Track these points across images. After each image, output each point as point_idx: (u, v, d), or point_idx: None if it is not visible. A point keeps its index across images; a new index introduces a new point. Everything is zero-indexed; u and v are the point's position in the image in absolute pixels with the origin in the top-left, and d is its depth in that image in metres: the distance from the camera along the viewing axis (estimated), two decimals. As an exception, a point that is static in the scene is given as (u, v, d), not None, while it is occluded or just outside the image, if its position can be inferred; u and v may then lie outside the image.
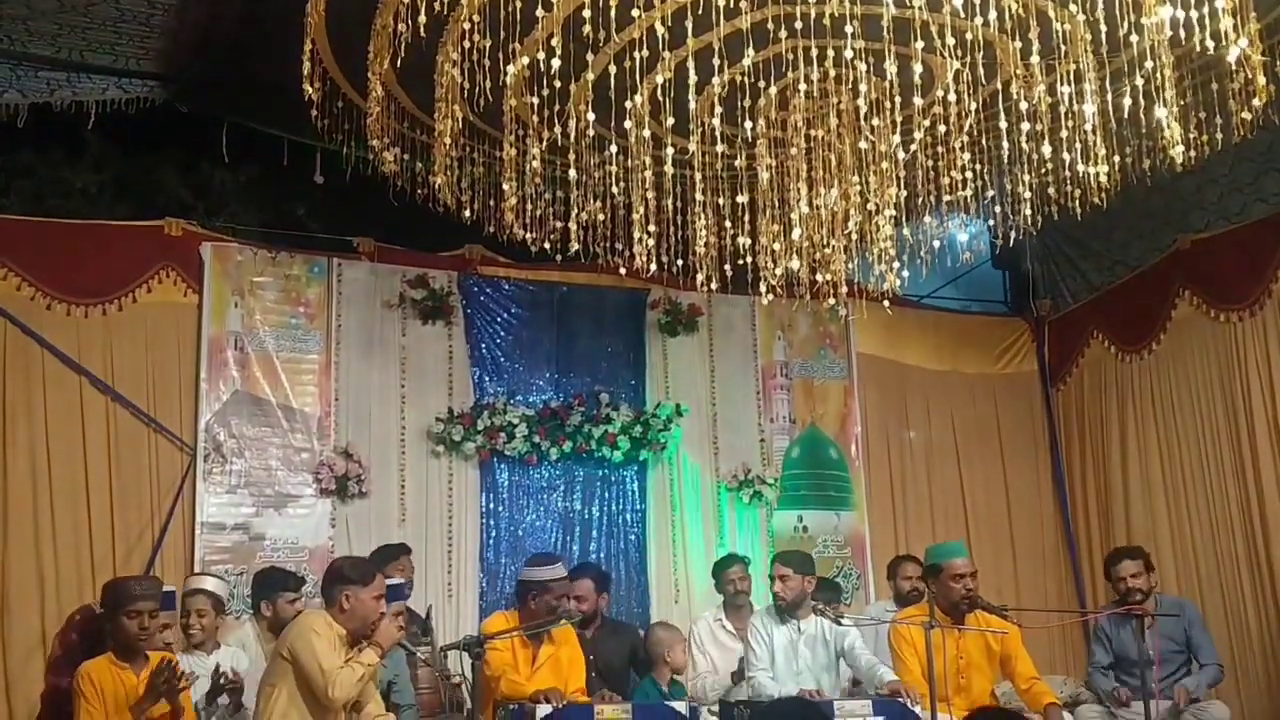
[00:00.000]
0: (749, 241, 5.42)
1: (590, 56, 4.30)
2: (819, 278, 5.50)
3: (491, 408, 7.28)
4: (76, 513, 6.35)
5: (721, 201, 5.52)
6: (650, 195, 5.00)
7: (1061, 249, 8.82)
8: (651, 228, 5.13)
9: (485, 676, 5.19)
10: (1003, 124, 4.43)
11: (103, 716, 4.23)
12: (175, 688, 4.32)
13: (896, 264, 5.27)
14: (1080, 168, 4.81)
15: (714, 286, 5.60)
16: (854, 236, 5.32)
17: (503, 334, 7.56)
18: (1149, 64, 4.07)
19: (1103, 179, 4.79)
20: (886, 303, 5.51)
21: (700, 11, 4.04)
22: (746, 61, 4.03)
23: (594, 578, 6.18)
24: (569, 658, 5.40)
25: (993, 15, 3.91)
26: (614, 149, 4.87)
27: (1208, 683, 5.90)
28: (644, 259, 5.17)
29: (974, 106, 4.64)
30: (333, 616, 4.33)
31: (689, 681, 6.08)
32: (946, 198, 5.42)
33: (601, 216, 5.62)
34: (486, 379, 7.45)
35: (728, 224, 5.58)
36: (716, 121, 4.40)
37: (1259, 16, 4.48)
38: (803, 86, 4.47)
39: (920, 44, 4.04)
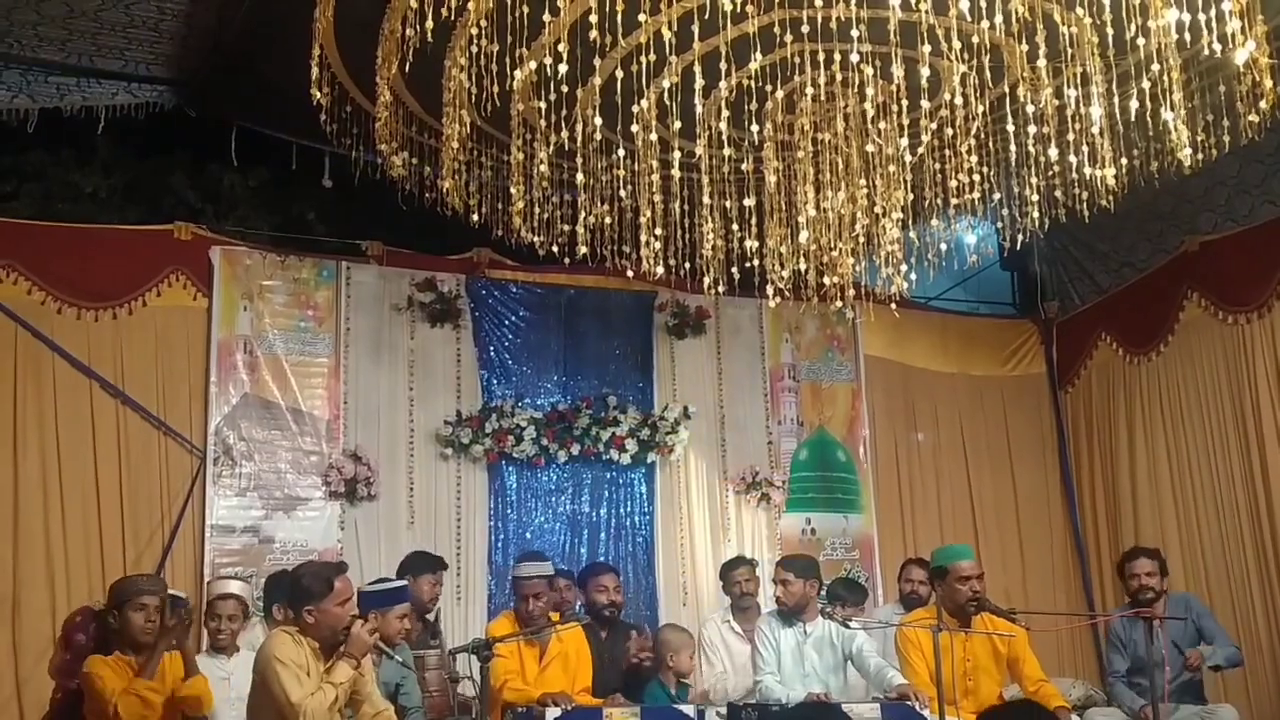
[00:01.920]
0: (756, 244, 5.43)
1: (597, 61, 4.30)
2: (826, 280, 5.51)
3: (500, 410, 7.29)
4: (87, 516, 6.38)
5: (729, 204, 5.52)
6: (657, 198, 5.02)
7: (1069, 251, 8.82)
8: (659, 231, 5.14)
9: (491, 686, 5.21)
10: (1010, 127, 4.44)
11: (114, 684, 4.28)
12: (184, 624, 4.39)
13: (904, 266, 5.27)
14: (1088, 170, 4.81)
15: (721, 289, 5.60)
16: (861, 239, 5.33)
17: (510, 337, 7.57)
18: (1156, 67, 4.07)
19: (1110, 181, 4.78)
20: (894, 305, 5.50)
21: (706, 16, 4.04)
22: (753, 65, 4.03)
23: (616, 572, 6.21)
24: (575, 653, 5.42)
25: (999, 19, 3.91)
26: (621, 153, 4.88)
27: (1225, 657, 5.82)
28: (651, 262, 5.18)
29: (981, 109, 4.64)
30: (301, 629, 4.18)
31: (706, 683, 6.08)
32: (954, 200, 5.42)
33: (609, 220, 5.63)
34: (495, 382, 7.46)
35: (735, 227, 5.58)
36: (723, 125, 4.40)
37: (1266, 19, 4.47)
38: (809, 90, 4.47)
39: (927, 47, 4.04)
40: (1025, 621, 5.57)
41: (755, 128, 4.54)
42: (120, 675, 4.35)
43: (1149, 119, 4.31)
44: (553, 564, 5.86)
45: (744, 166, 5.37)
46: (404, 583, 5.39)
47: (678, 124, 4.31)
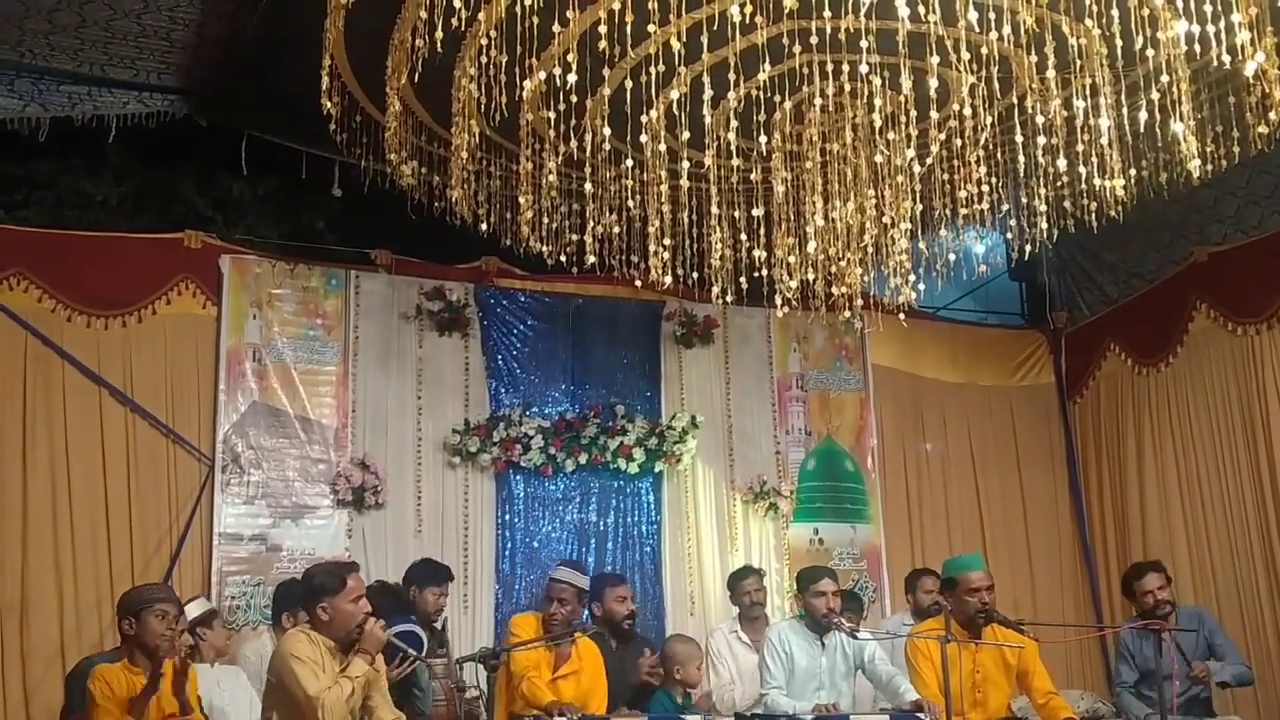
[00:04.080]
0: (764, 254, 5.44)
1: (606, 71, 4.32)
2: (834, 290, 5.51)
3: (507, 419, 7.29)
4: (95, 523, 6.38)
5: (737, 214, 5.53)
6: (666, 208, 5.02)
7: (1078, 261, 8.80)
8: (667, 240, 5.15)
9: (509, 672, 5.21)
10: (1019, 137, 4.44)
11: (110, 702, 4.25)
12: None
13: (912, 276, 5.27)
14: (1096, 181, 4.81)
15: (729, 299, 5.61)
16: (870, 249, 5.33)
17: (519, 346, 7.57)
18: (1165, 78, 4.07)
19: (1119, 192, 4.78)
20: (902, 315, 5.50)
21: (715, 27, 4.05)
22: (762, 76, 4.04)
23: (629, 583, 6.22)
24: (592, 673, 5.41)
25: (1008, 30, 3.91)
26: (630, 163, 4.89)
27: (1234, 674, 5.80)
28: (659, 271, 5.19)
29: (990, 120, 4.64)
30: (315, 628, 4.21)
31: (713, 693, 6.07)
32: (962, 211, 5.42)
33: (617, 229, 5.64)
34: (502, 390, 7.46)
35: (743, 237, 5.59)
36: (732, 135, 4.41)
37: (1276, 30, 4.47)
38: (818, 101, 4.48)
39: (936, 58, 4.05)
40: (1034, 633, 5.55)
41: (764, 138, 4.54)
42: (121, 688, 4.30)
43: (1158, 130, 4.31)
44: (588, 580, 5.82)
45: (752, 176, 5.38)
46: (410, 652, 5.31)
47: (686, 134, 4.32)
